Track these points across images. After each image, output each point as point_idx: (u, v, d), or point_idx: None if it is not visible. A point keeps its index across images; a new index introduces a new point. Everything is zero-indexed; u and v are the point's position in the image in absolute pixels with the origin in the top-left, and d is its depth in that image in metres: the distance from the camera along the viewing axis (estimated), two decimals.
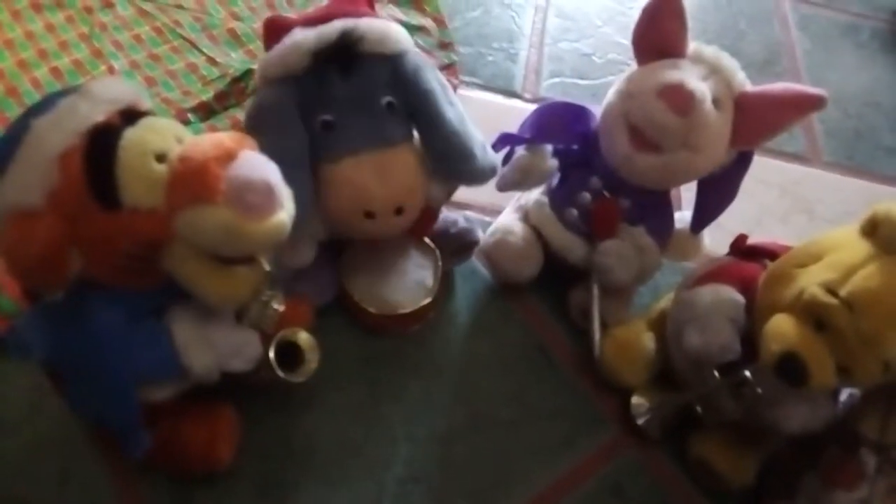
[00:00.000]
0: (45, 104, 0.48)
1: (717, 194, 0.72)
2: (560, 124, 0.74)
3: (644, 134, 0.65)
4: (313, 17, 0.62)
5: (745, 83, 0.66)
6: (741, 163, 0.69)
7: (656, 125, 0.64)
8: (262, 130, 0.60)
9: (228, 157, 0.47)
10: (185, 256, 0.48)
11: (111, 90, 0.50)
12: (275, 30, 0.62)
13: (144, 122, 0.49)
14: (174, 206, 0.47)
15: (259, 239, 0.47)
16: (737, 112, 0.65)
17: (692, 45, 0.67)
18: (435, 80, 0.65)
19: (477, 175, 0.66)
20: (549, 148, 0.73)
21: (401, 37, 0.64)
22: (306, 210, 0.60)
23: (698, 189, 0.72)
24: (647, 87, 0.64)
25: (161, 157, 0.48)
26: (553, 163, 0.73)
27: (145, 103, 0.52)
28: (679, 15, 0.65)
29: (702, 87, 0.63)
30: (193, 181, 0.46)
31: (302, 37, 0.60)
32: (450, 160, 0.65)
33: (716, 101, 0.64)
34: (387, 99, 0.63)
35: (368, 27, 0.61)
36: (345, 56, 0.60)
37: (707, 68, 0.66)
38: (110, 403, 0.53)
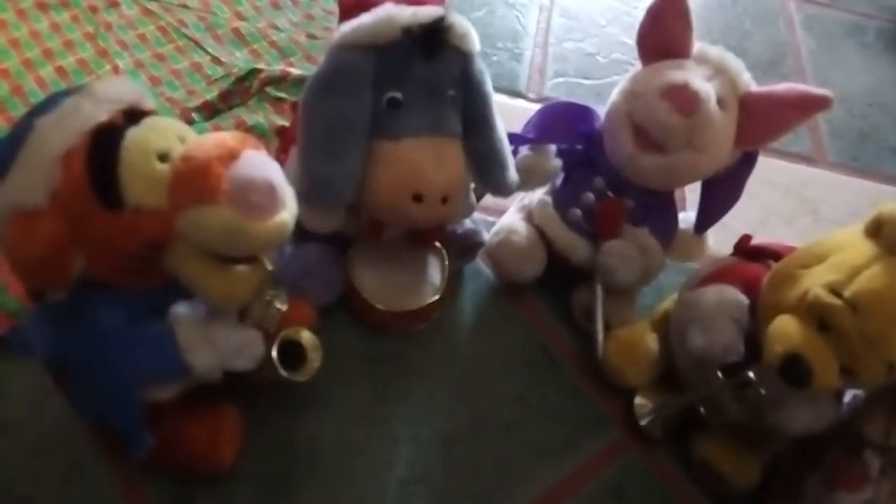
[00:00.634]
0: (48, 104, 0.48)
1: (721, 195, 0.72)
2: (564, 124, 0.74)
3: (648, 134, 0.65)
4: None
5: (750, 83, 0.66)
6: (746, 163, 0.69)
7: (661, 125, 0.64)
8: (333, 92, 0.60)
9: (231, 156, 0.47)
10: (188, 256, 0.49)
11: (114, 90, 0.50)
12: (352, 4, 0.62)
13: (147, 122, 0.49)
14: (177, 206, 0.47)
15: (261, 238, 0.47)
16: (741, 112, 0.65)
17: (697, 46, 0.67)
18: (491, 86, 0.66)
19: (507, 186, 0.67)
20: (552, 148, 0.73)
21: (475, 38, 0.64)
22: (354, 179, 0.61)
23: (703, 190, 0.72)
24: (651, 88, 0.64)
25: (164, 157, 0.48)
26: (557, 163, 0.73)
27: (148, 103, 0.52)
28: (684, 15, 0.65)
29: (706, 88, 0.63)
30: (196, 181, 0.46)
31: (397, 11, 0.60)
32: (490, 165, 0.66)
33: (720, 102, 0.64)
34: (452, 92, 0.63)
35: (458, 20, 0.61)
36: (431, 41, 0.60)
37: (712, 69, 0.65)
38: (113, 403, 0.53)
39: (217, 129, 0.86)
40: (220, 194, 0.45)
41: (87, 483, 0.62)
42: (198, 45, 0.95)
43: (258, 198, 0.46)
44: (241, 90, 0.91)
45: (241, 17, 1.00)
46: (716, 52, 0.66)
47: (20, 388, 0.65)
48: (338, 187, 0.61)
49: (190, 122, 0.86)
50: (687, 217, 0.76)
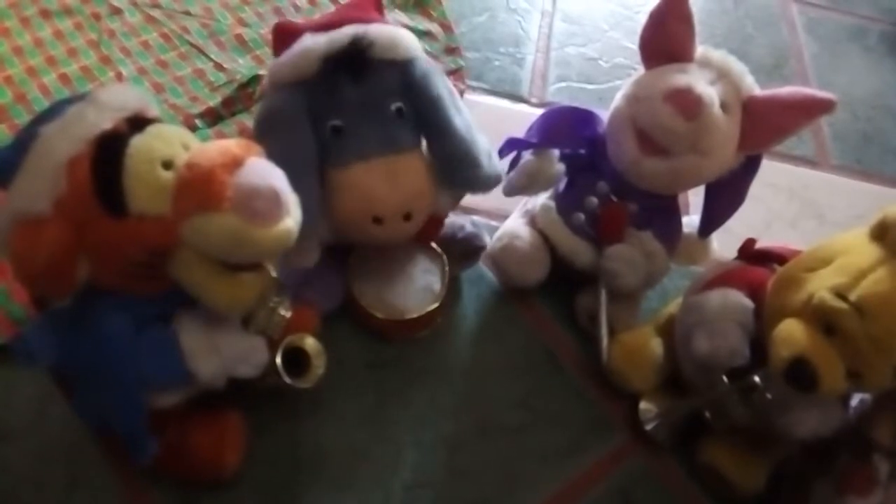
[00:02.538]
0: (52, 112, 0.49)
1: (725, 198, 0.72)
2: (567, 129, 0.73)
3: (652, 138, 0.65)
4: (323, 22, 0.62)
5: (754, 87, 0.66)
6: (750, 167, 0.69)
7: (664, 129, 0.63)
8: (271, 135, 0.60)
9: (235, 163, 0.47)
10: (192, 263, 0.49)
11: (118, 97, 0.50)
12: (284, 35, 0.62)
13: (151, 130, 0.49)
14: (181, 213, 0.47)
15: (266, 246, 0.47)
16: (745, 116, 0.65)
17: (700, 49, 0.67)
18: (443, 86, 0.65)
19: (482, 183, 0.66)
20: (556, 152, 0.73)
21: (410, 43, 0.64)
22: (313, 214, 0.60)
23: (706, 193, 0.72)
24: (654, 92, 0.64)
25: (168, 165, 0.48)
26: (560, 167, 0.73)
27: (152, 110, 0.53)
28: (687, 19, 0.65)
29: (710, 92, 0.63)
30: (200, 188, 0.46)
31: (312, 42, 0.60)
32: (456, 167, 0.65)
33: (724, 106, 0.64)
34: (396, 105, 0.63)
35: (378, 33, 0.61)
36: (355, 62, 0.60)
37: (715, 72, 0.65)
38: (118, 409, 0.53)
39: (220, 135, 0.86)
40: (224, 202, 0.45)
41: (91, 490, 0.62)
42: (201, 51, 0.95)
43: (262, 205, 0.46)
44: (244, 96, 0.91)
45: (243, 23, 1.00)
46: (719, 55, 0.66)
47: (24, 395, 0.65)
48: (302, 223, 0.60)
49: (193, 128, 0.86)
50: (691, 221, 0.76)
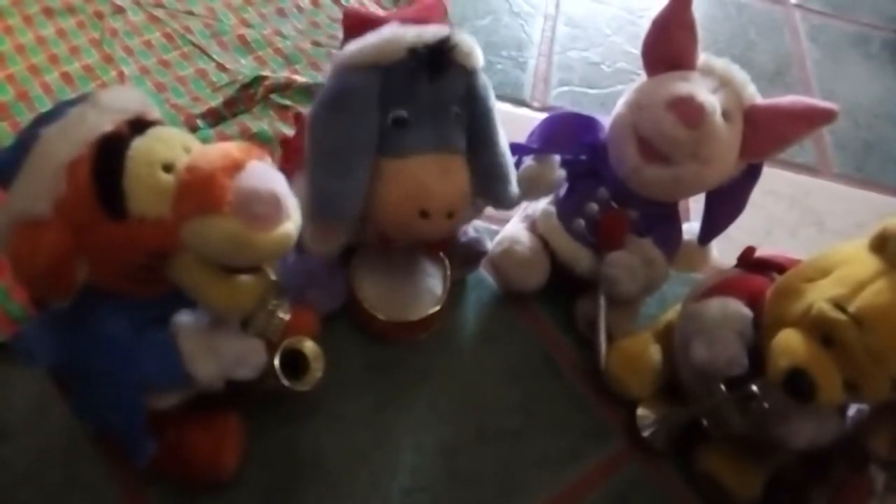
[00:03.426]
0: (53, 113, 0.49)
1: (726, 206, 0.72)
2: (568, 134, 0.74)
3: (653, 146, 0.65)
4: (405, 16, 0.63)
5: (756, 96, 0.66)
6: (750, 175, 0.69)
7: (666, 137, 0.64)
8: (339, 112, 0.61)
9: (236, 167, 0.47)
10: (192, 266, 0.49)
11: (120, 100, 0.50)
12: (357, 22, 0.63)
13: (152, 132, 0.49)
14: (181, 216, 0.47)
15: (265, 249, 0.47)
16: (746, 125, 0.65)
17: (702, 57, 0.67)
18: (494, 101, 0.66)
19: (509, 200, 0.67)
20: (556, 158, 0.73)
21: (480, 55, 0.65)
22: (360, 198, 0.61)
23: (707, 201, 0.72)
24: (656, 99, 0.64)
25: (168, 167, 0.48)
26: (561, 173, 0.73)
27: (154, 112, 0.53)
28: (689, 27, 0.65)
29: (711, 100, 0.63)
30: (200, 191, 0.46)
31: (402, 31, 0.60)
32: (492, 180, 0.66)
33: (725, 114, 0.64)
34: (456, 109, 0.64)
35: (462, 39, 0.62)
36: (437, 60, 0.61)
37: (717, 80, 0.65)
38: (116, 411, 0.53)
39: (221, 135, 0.86)
40: (224, 205, 0.46)
41: (89, 490, 0.62)
42: (203, 51, 0.95)
43: (263, 208, 0.46)
44: (245, 97, 0.91)
45: (246, 24, 1.00)
46: (721, 63, 0.66)
47: (23, 394, 0.65)
48: (344, 204, 0.61)
49: (194, 128, 0.86)
50: (691, 228, 0.76)
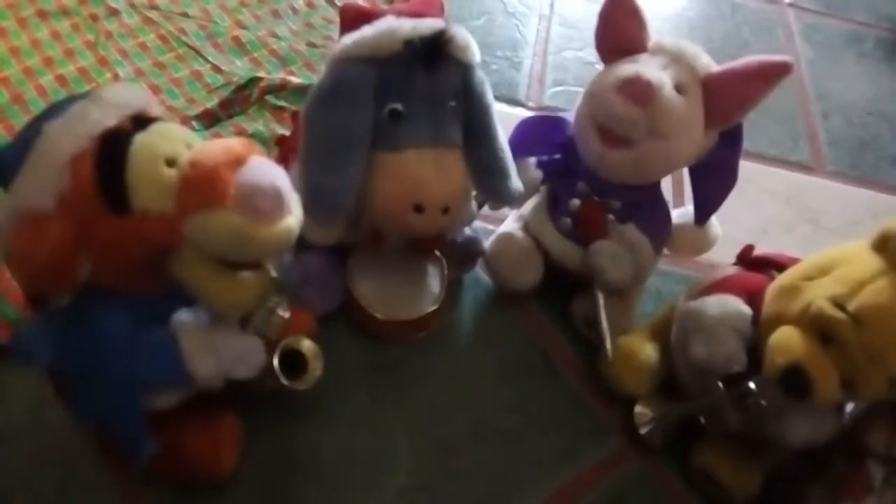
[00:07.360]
0: (56, 109, 0.49)
1: (711, 181, 0.72)
2: (538, 136, 0.75)
3: (612, 131, 0.66)
4: (401, 10, 0.63)
5: (710, 65, 0.66)
6: (730, 143, 0.69)
7: (619, 119, 0.64)
8: (334, 104, 0.61)
9: (238, 162, 0.47)
10: (193, 261, 0.49)
11: (122, 95, 0.50)
12: (353, 16, 0.63)
13: (155, 128, 0.49)
14: (184, 211, 0.47)
15: (267, 244, 0.47)
16: (706, 94, 0.65)
17: (653, 40, 0.67)
18: (491, 97, 0.67)
19: (510, 194, 0.67)
20: (531, 160, 0.74)
21: (476, 49, 0.65)
22: (354, 190, 0.61)
23: (691, 178, 0.72)
24: (606, 86, 0.65)
25: (171, 162, 0.48)
26: (537, 174, 0.74)
27: (155, 109, 0.53)
28: (634, 13, 0.66)
29: (658, 75, 0.63)
30: (203, 186, 0.46)
31: (398, 24, 0.60)
32: (491, 175, 0.66)
33: (679, 87, 0.64)
34: (452, 103, 0.64)
35: (458, 32, 0.62)
36: (433, 53, 0.61)
37: (667, 57, 0.66)
38: (116, 410, 0.53)
39: (217, 137, 0.86)
40: (227, 199, 0.46)
41: (86, 491, 0.61)
42: (198, 53, 0.95)
43: (265, 203, 0.46)
44: (241, 98, 0.91)
45: (241, 25, 1.00)
46: (671, 41, 0.67)
47: (20, 395, 0.65)
48: (338, 198, 0.61)
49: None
50: (687, 211, 0.76)
